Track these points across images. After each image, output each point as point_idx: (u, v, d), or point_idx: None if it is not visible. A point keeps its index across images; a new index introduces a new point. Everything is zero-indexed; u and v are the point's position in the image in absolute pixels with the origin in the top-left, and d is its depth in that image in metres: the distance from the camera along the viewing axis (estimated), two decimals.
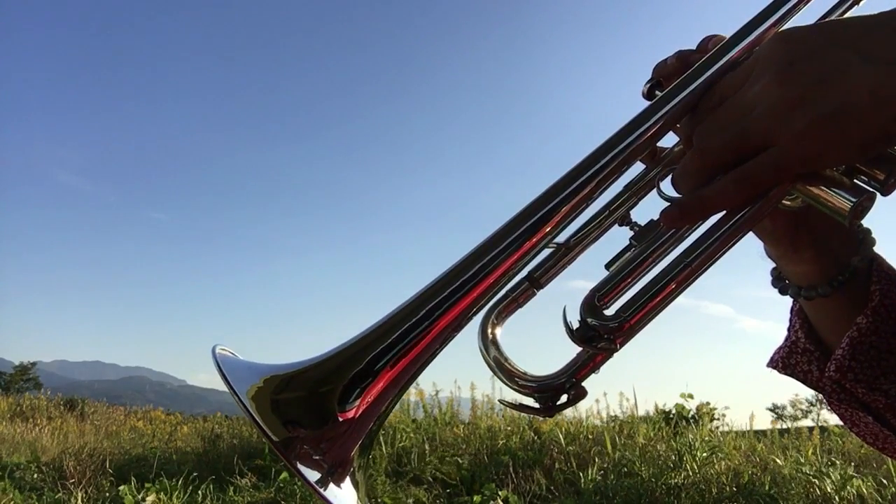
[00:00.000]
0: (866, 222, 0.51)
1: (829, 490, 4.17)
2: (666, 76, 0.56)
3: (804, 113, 0.41)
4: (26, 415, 12.31)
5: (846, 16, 0.55)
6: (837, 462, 4.68)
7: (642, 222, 0.59)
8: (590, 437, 5.87)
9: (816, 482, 4.27)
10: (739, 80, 0.47)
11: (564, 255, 0.60)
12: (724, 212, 0.48)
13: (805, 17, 0.53)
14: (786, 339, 0.65)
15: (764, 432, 6.64)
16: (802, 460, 4.75)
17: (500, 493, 4.52)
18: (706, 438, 5.27)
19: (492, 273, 0.46)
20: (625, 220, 0.60)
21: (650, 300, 0.48)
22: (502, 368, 0.52)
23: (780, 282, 0.63)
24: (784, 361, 0.64)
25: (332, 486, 0.43)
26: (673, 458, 4.86)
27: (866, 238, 0.58)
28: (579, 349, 0.50)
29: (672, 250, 0.53)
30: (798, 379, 0.63)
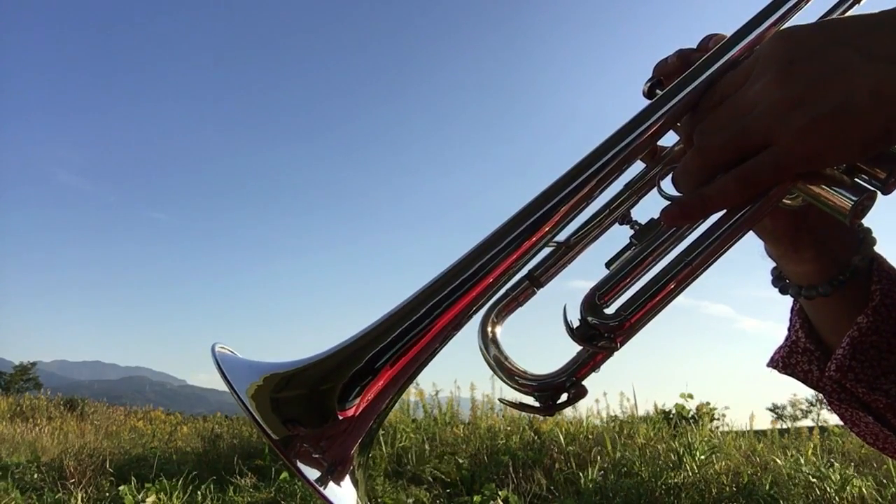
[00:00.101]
0: (867, 221, 0.51)
1: (829, 490, 4.17)
2: (666, 75, 0.56)
3: (804, 112, 0.41)
4: (26, 415, 12.31)
5: (847, 15, 0.55)
6: (837, 462, 4.68)
7: (643, 221, 0.59)
8: (590, 437, 5.87)
9: (816, 482, 4.27)
10: (740, 78, 0.47)
11: (565, 253, 0.60)
12: (725, 211, 0.48)
13: (806, 17, 0.53)
14: (786, 339, 0.65)
15: (764, 432, 6.64)
16: (802, 460, 4.75)
17: (500, 493, 4.52)
18: (706, 438, 5.26)
19: (492, 272, 0.46)
20: (625, 219, 0.60)
21: (651, 299, 0.48)
22: (502, 367, 0.52)
23: (781, 281, 0.63)
24: (784, 361, 0.64)
25: (331, 484, 0.43)
26: (673, 458, 4.86)
27: (867, 237, 0.58)
28: (579, 348, 0.50)
29: (672, 249, 0.53)
30: (798, 379, 0.63)
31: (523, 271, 0.53)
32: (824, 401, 0.62)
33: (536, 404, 0.51)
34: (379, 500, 4.45)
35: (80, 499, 4.83)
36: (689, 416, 6.83)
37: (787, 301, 0.64)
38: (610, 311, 0.49)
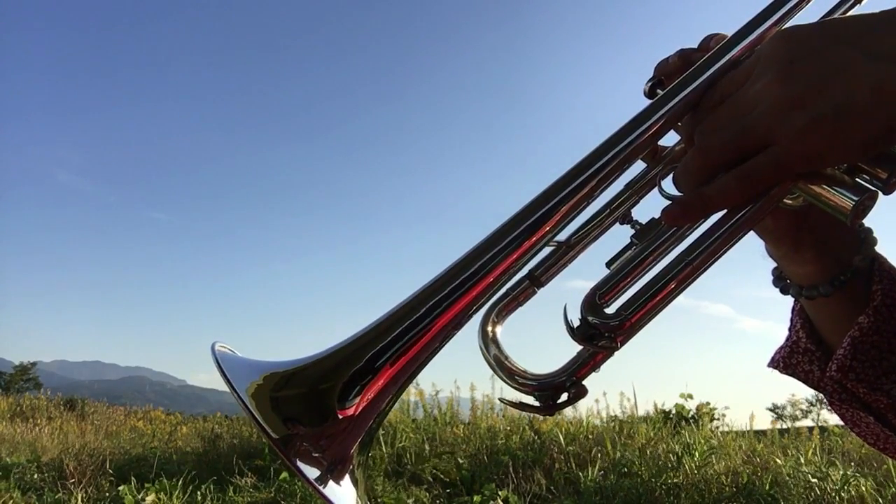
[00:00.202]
0: (868, 221, 0.51)
1: (829, 490, 4.16)
2: (667, 74, 0.56)
3: (805, 111, 0.41)
4: (26, 415, 12.31)
5: (847, 14, 0.55)
6: (838, 462, 4.68)
7: (643, 221, 0.59)
8: (590, 437, 5.87)
9: (816, 482, 4.27)
10: (741, 78, 0.47)
11: (565, 253, 0.60)
12: (726, 210, 0.48)
13: (807, 17, 0.53)
14: (787, 339, 0.64)
15: (764, 432, 6.64)
16: (802, 460, 4.75)
17: (500, 493, 4.52)
18: (706, 438, 5.26)
19: (492, 271, 0.46)
20: (626, 219, 0.60)
21: (651, 298, 0.48)
22: (502, 367, 0.52)
23: (782, 281, 0.62)
24: (785, 361, 0.64)
25: (331, 483, 0.43)
26: (673, 458, 4.86)
27: (868, 237, 0.58)
28: (580, 347, 0.50)
29: (673, 249, 0.53)
30: (799, 379, 0.63)
31: (524, 271, 0.53)
32: (824, 401, 0.62)
33: (537, 404, 0.51)
34: (379, 499, 4.45)
35: (80, 499, 4.83)
36: (689, 416, 6.83)
37: (787, 301, 0.64)
38: (610, 310, 0.49)
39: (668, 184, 0.50)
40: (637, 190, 0.60)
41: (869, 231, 0.58)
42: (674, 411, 6.92)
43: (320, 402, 0.45)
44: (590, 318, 0.48)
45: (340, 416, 0.44)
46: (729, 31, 0.52)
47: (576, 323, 0.49)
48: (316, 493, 0.42)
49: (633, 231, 0.59)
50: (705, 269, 0.49)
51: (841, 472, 4.30)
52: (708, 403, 7.03)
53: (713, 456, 4.86)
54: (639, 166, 0.60)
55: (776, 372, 0.65)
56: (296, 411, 0.45)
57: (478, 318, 0.53)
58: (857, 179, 0.45)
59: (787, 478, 4.46)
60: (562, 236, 0.58)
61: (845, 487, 4.13)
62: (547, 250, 0.60)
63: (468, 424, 6.51)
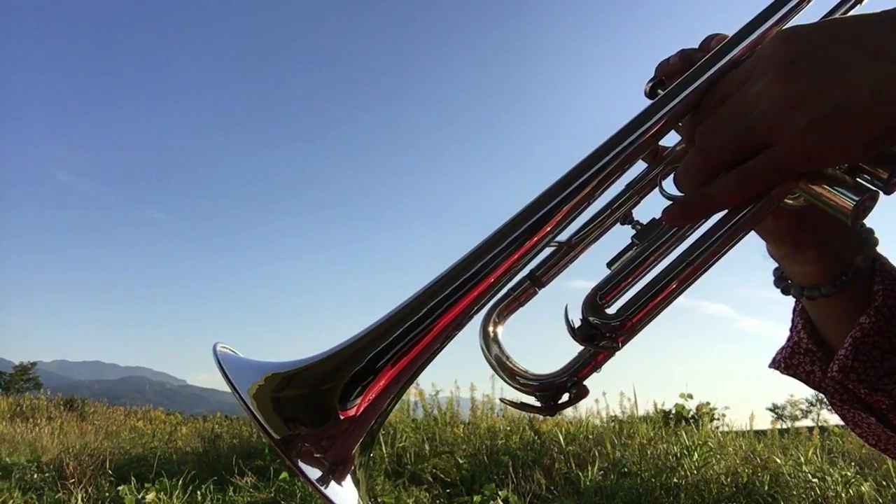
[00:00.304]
0: (869, 222, 0.51)
1: (829, 490, 4.16)
2: (668, 75, 0.56)
3: (806, 111, 0.41)
4: (26, 415, 12.31)
5: (848, 15, 0.55)
6: (838, 462, 4.68)
7: (644, 221, 0.59)
8: (590, 437, 5.87)
9: (816, 482, 4.27)
10: (741, 78, 0.47)
11: (566, 253, 0.60)
12: (726, 210, 0.48)
13: (807, 17, 0.53)
14: (788, 340, 0.64)
15: (764, 432, 6.64)
16: (802, 460, 4.75)
17: (500, 493, 4.51)
18: (706, 438, 5.26)
19: (493, 271, 0.46)
20: (627, 219, 0.60)
21: (652, 299, 0.48)
22: (503, 367, 0.52)
23: (783, 282, 0.62)
24: (786, 362, 0.64)
25: (333, 483, 0.43)
26: (672, 458, 4.86)
27: (869, 237, 0.58)
28: (581, 348, 0.50)
29: (674, 249, 0.53)
30: (800, 379, 0.63)
31: (525, 271, 0.53)
32: (824, 401, 0.62)
33: (538, 404, 0.51)
34: (378, 499, 4.45)
35: (80, 499, 4.83)
36: (689, 416, 6.83)
37: (788, 301, 0.64)
38: (611, 310, 0.49)
39: (669, 184, 0.50)
40: (638, 190, 0.60)
41: (870, 231, 0.58)
42: (674, 411, 6.92)
43: (322, 402, 0.45)
44: (591, 319, 0.48)
45: (342, 417, 0.44)
46: (730, 32, 0.52)
47: (577, 323, 0.49)
48: (318, 494, 0.42)
49: (633, 231, 0.59)
50: (706, 270, 0.49)
51: (841, 473, 4.30)
52: (708, 403, 7.03)
53: (713, 456, 4.86)
54: (640, 166, 0.60)
55: (776, 372, 0.65)
56: (297, 412, 0.45)
57: (478, 318, 0.53)
58: (857, 179, 0.45)
59: (787, 478, 4.46)
60: (563, 236, 0.58)
61: (845, 487, 4.13)
62: (548, 250, 0.60)
63: (468, 424, 6.50)
